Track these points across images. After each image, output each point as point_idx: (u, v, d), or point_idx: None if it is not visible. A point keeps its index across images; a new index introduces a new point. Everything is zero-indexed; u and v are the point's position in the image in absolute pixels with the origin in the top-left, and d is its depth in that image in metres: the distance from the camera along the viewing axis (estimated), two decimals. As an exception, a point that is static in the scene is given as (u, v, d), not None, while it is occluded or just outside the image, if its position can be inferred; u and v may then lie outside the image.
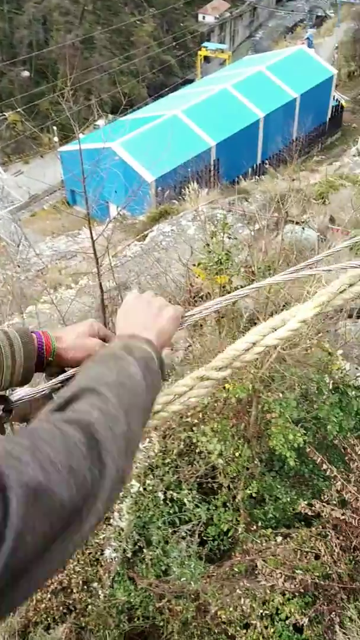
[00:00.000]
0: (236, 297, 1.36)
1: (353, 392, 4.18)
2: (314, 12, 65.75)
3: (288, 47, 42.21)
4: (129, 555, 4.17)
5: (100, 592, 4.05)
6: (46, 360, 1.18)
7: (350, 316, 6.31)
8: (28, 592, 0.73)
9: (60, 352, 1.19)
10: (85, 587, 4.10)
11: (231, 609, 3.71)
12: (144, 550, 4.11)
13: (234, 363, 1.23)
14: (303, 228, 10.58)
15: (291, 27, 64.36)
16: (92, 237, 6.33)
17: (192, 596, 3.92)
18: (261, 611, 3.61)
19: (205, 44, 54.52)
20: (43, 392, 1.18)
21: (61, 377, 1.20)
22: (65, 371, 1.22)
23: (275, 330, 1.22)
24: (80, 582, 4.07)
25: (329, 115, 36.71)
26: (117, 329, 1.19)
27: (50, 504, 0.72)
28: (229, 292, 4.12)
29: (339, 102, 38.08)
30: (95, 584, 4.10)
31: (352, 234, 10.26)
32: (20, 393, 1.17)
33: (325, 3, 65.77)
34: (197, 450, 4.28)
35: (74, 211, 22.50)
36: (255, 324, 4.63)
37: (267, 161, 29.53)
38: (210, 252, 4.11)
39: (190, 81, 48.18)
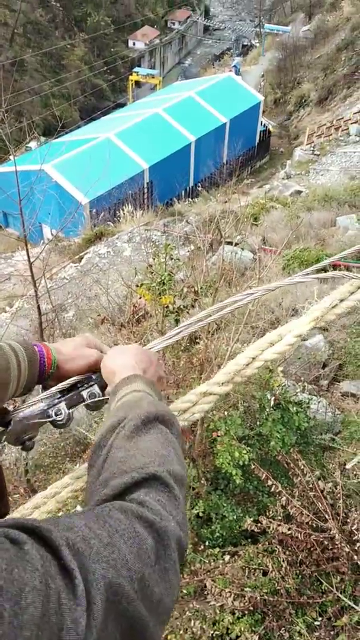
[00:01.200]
0: (225, 311, 1.37)
1: (294, 408, 4.26)
2: (240, 41, 68.10)
3: (216, 74, 43.42)
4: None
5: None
6: (47, 373, 1.16)
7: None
8: None
9: (61, 363, 1.18)
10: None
11: (181, 632, 3.66)
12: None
13: (235, 378, 1.25)
14: (242, 248, 10.81)
15: (219, 55, 66.38)
16: (29, 259, 6.22)
17: (141, 622, 3.85)
18: (212, 632, 3.58)
19: (136, 69, 55.35)
20: (42, 409, 1.16)
21: (54, 389, 1.18)
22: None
23: (273, 345, 1.24)
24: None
25: (257, 140, 37.93)
26: (111, 360, 1.15)
27: (124, 611, 0.68)
28: (172, 312, 4.14)
29: (267, 127, 39.45)
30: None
31: (283, 254, 10.56)
32: (25, 413, 1.15)
33: (251, 33, 68.29)
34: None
35: (6, 233, 22.06)
36: (197, 342, 4.67)
37: (199, 184, 30.10)
38: (152, 272, 4.13)
39: (122, 105, 48.69)
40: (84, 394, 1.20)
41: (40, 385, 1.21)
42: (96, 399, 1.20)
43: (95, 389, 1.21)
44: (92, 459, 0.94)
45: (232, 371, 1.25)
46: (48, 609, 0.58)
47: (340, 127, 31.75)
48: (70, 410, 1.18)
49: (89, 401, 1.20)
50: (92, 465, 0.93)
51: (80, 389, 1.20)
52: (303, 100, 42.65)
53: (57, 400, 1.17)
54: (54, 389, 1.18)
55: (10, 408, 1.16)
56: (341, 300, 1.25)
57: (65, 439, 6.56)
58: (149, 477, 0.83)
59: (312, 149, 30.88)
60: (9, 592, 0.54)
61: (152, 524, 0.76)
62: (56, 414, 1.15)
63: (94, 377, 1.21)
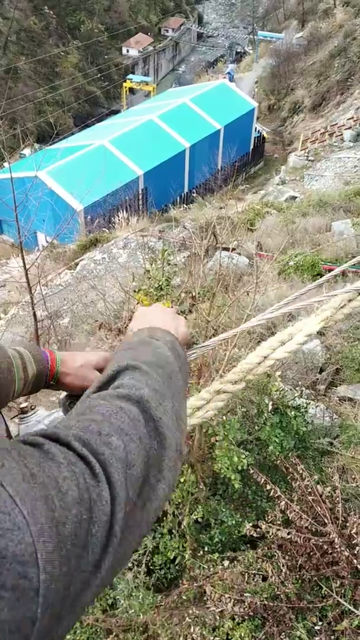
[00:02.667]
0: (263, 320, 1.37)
1: (292, 413, 4.27)
2: (233, 48, 68.50)
3: (210, 81, 43.62)
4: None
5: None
6: (48, 382, 1.18)
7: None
8: (126, 557, 0.78)
9: (62, 376, 1.19)
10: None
11: (181, 638, 3.64)
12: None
13: (248, 376, 1.26)
14: (239, 253, 10.83)
15: (212, 62, 66.69)
16: (24, 266, 6.22)
17: (141, 628, 3.83)
18: (212, 638, 3.56)
19: (130, 76, 55.57)
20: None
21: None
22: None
23: (284, 344, 1.25)
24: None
25: (251, 146, 38.08)
26: (132, 328, 1.20)
27: (135, 475, 0.77)
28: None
29: (261, 133, 39.63)
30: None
31: (279, 259, 10.60)
32: (39, 417, 1.16)
33: (244, 40, 68.69)
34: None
35: (1, 240, 22.06)
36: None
37: (194, 190, 30.17)
38: (150, 278, 4.14)
39: (116, 112, 48.82)
40: None
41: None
42: None
43: None
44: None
45: (244, 370, 1.26)
46: (80, 489, 0.68)
47: (334, 133, 31.93)
48: None
49: None
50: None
51: None
52: (297, 107, 42.88)
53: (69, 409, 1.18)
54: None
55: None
56: (350, 300, 1.26)
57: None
58: (121, 369, 0.94)
59: (306, 154, 31.04)
60: (49, 484, 0.65)
61: (129, 396, 0.86)
62: None
63: None
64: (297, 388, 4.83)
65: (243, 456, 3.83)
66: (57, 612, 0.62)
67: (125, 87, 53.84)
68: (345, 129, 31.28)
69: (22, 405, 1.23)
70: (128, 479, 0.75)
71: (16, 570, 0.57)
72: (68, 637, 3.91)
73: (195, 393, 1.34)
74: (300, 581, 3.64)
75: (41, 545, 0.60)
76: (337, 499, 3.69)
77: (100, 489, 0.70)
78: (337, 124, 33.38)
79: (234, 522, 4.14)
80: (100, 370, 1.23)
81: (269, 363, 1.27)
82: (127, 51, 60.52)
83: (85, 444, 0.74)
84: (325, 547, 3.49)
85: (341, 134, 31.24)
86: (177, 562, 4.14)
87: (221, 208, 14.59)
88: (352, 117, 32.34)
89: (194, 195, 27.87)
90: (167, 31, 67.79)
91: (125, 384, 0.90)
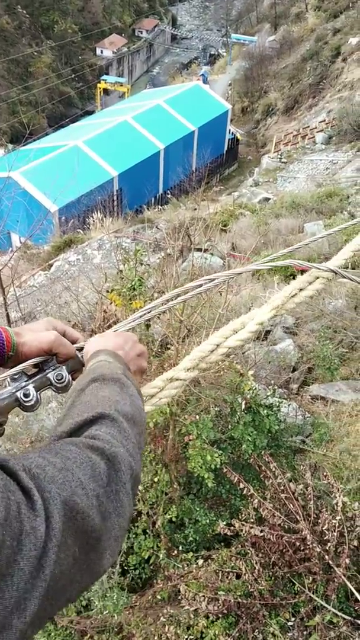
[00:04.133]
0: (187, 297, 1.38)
1: (265, 411, 4.30)
2: (207, 51, 68.78)
3: (184, 83, 43.73)
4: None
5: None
6: (7, 355, 1.16)
7: (257, 338, 6.53)
8: (57, 607, 0.73)
9: (19, 346, 1.18)
10: None
11: (156, 637, 3.65)
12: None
13: (200, 364, 1.27)
14: (212, 254, 10.88)
15: (186, 63, 66.90)
16: (-3, 267, 6.16)
17: (116, 629, 3.83)
18: (186, 637, 3.58)
19: (105, 77, 55.41)
20: (9, 391, 1.14)
21: (18, 368, 1.16)
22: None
23: (237, 332, 1.27)
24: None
25: (225, 148, 38.27)
26: (91, 344, 1.21)
27: (81, 526, 0.74)
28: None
29: (235, 135, 39.85)
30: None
31: (252, 260, 10.67)
32: None
33: (218, 42, 69.02)
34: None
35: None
36: (168, 348, 4.68)
37: (169, 191, 30.20)
38: (122, 278, 4.14)
39: (91, 112, 48.64)
40: (51, 376, 1.19)
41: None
42: (63, 381, 1.20)
43: (63, 370, 1.20)
44: (59, 419, 1.02)
45: (197, 357, 1.28)
46: (9, 514, 0.65)
47: (307, 135, 32.29)
48: (39, 392, 1.16)
49: (56, 383, 1.19)
50: (57, 423, 1.01)
51: (46, 371, 1.19)
52: (270, 109, 43.24)
53: (24, 383, 1.15)
54: (18, 368, 1.17)
55: None
56: (300, 290, 1.29)
57: (36, 448, 6.50)
58: (98, 416, 0.92)
59: (279, 156, 31.33)
60: None
61: (102, 450, 0.84)
62: (25, 396, 1.13)
63: (55, 360, 1.21)
64: (270, 387, 4.87)
65: (216, 455, 3.86)
66: None
67: (100, 88, 53.68)
68: (318, 132, 31.66)
69: None
70: (69, 525, 0.72)
71: None
72: (42, 639, 3.88)
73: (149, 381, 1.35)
74: (273, 578, 3.67)
75: None
76: (309, 496, 3.73)
77: (36, 523, 0.68)
78: (309, 126, 33.77)
79: (208, 521, 4.15)
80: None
81: (221, 351, 1.29)
82: (101, 52, 60.33)
83: (33, 477, 0.72)
84: (298, 544, 3.53)
85: (313, 137, 31.61)
86: (151, 561, 4.15)
87: (195, 209, 14.64)
88: (324, 120, 32.74)
89: (169, 196, 27.91)
90: (141, 32, 67.78)
91: (102, 437, 0.87)
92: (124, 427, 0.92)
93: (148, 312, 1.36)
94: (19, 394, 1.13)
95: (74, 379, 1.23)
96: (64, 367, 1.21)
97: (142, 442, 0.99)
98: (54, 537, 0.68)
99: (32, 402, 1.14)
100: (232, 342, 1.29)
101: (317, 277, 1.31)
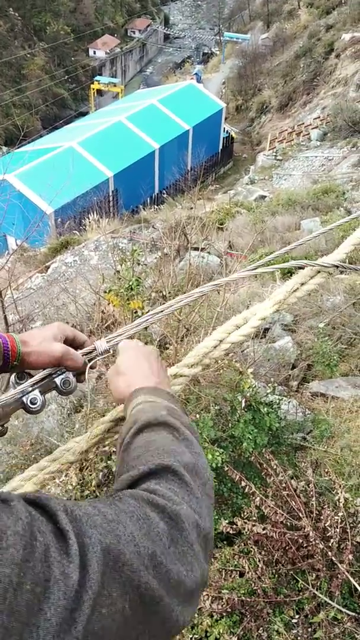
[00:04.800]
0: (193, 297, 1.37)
1: (265, 409, 4.30)
2: (200, 50, 68.73)
3: (178, 82, 43.70)
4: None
5: None
6: (11, 364, 1.14)
7: (256, 336, 6.53)
8: None
9: (25, 356, 1.14)
10: None
11: (160, 638, 3.64)
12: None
13: (204, 360, 1.27)
14: (209, 252, 10.88)
15: (180, 63, 66.84)
16: (-6, 270, 6.15)
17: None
18: (190, 636, 3.57)
19: (98, 77, 55.35)
20: (15, 397, 1.14)
21: (29, 382, 1.16)
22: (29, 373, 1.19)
23: (239, 327, 1.27)
24: None
25: (220, 146, 38.25)
26: (123, 367, 1.15)
27: (130, 580, 0.66)
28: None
29: (229, 134, 39.83)
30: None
31: (250, 258, 10.67)
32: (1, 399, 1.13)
33: (211, 41, 68.98)
34: (116, 480, 4.21)
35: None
36: (166, 348, 4.67)
37: (164, 191, 30.18)
38: (120, 278, 4.13)
39: (85, 114, 48.57)
40: (57, 380, 1.18)
41: (11, 378, 1.19)
42: (69, 386, 1.19)
43: (69, 376, 1.19)
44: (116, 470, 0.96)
45: (200, 354, 1.28)
46: (32, 556, 0.59)
47: (302, 132, 32.30)
48: (43, 395, 1.16)
49: (62, 388, 1.19)
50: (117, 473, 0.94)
51: (53, 376, 1.19)
52: (264, 107, 43.24)
53: (30, 388, 1.15)
54: (29, 382, 1.16)
55: None
56: (302, 284, 1.29)
57: (36, 450, 6.48)
58: (158, 469, 0.84)
59: (274, 154, 31.32)
60: None
61: (163, 508, 0.76)
62: (32, 402, 1.14)
63: (64, 370, 1.20)
64: (269, 385, 4.87)
65: (217, 453, 3.85)
66: None
67: (93, 89, 53.62)
68: (312, 129, 31.66)
69: None
70: (113, 577, 0.64)
71: None
72: None
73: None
74: (276, 576, 3.67)
75: None
76: (311, 492, 3.73)
77: (68, 569, 0.61)
78: (304, 123, 33.77)
79: (210, 519, 4.14)
80: (61, 341, 1.19)
81: (224, 347, 1.28)
82: (94, 53, 60.25)
83: (74, 519, 0.66)
84: (301, 540, 3.52)
85: (308, 134, 31.61)
86: (154, 562, 4.14)
87: (191, 208, 14.63)
88: (319, 117, 32.75)
89: (164, 196, 27.90)
90: (134, 32, 67.71)
91: (162, 492, 0.79)
92: (186, 481, 0.83)
93: (160, 312, 1.35)
94: (25, 400, 1.14)
95: (79, 382, 1.22)
96: (70, 373, 1.20)
97: (208, 492, 0.88)
98: (89, 589, 0.61)
99: (39, 407, 1.15)
100: (235, 338, 1.29)
101: (319, 272, 1.31)
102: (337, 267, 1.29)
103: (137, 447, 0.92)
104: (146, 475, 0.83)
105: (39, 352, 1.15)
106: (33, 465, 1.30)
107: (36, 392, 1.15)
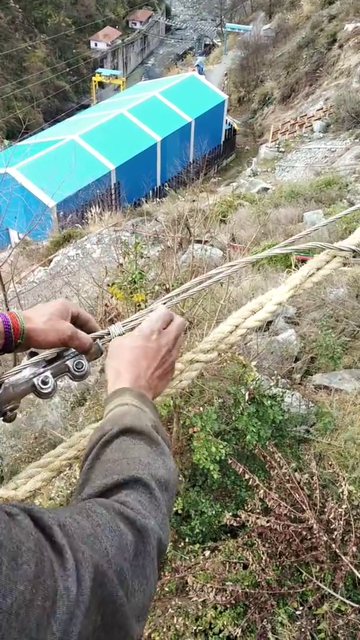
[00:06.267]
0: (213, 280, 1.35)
1: (268, 402, 4.30)
2: (202, 41, 68.37)
3: (180, 74, 43.50)
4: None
5: None
6: (15, 342, 1.08)
7: (259, 329, 6.53)
8: None
9: (30, 333, 1.08)
10: None
11: (164, 629, 3.66)
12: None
13: (220, 345, 1.26)
14: (212, 245, 10.86)
15: (181, 54, 66.52)
16: (-4, 263, 6.15)
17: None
18: (194, 627, 3.59)
19: (99, 70, 55.13)
20: (26, 378, 1.09)
21: (40, 356, 1.11)
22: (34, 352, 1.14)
23: (255, 313, 1.26)
24: None
25: (223, 139, 38.11)
26: (122, 358, 1.09)
27: (108, 595, 0.68)
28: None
29: (232, 125, 39.68)
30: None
31: (252, 250, 10.65)
32: (11, 380, 1.08)
33: (213, 32, 68.58)
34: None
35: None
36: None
37: (166, 183, 30.11)
38: (123, 272, 4.12)
39: (86, 106, 48.40)
40: (70, 363, 1.14)
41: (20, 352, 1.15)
42: (83, 370, 1.15)
43: (83, 359, 1.14)
44: (81, 470, 0.95)
45: (216, 339, 1.27)
46: (42, 571, 0.60)
47: (304, 124, 32.14)
48: (56, 379, 1.12)
49: (75, 371, 1.14)
50: (82, 476, 0.94)
51: (65, 358, 1.14)
52: (266, 98, 43.01)
53: (42, 369, 1.10)
54: (40, 356, 1.11)
55: None
56: (318, 269, 1.28)
57: (40, 443, 6.50)
58: (130, 480, 0.85)
59: (277, 146, 31.20)
60: (7, 547, 0.58)
61: (132, 521, 0.78)
62: (43, 383, 1.09)
63: (76, 352, 1.15)
64: (273, 377, 4.86)
65: (221, 446, 3.86)
66: None
67: (95, 81, 53.43)
68: (315, 120, 31.50)
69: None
70: (98, 591, 0.67)
71: None
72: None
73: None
74: (280, 568, 3.68)
75: None
76: (315, 485, 3.73)
77: (68, 583, 0.62)
78: (306, 115, 33.59)
79: (214, 512, 4.16)
80: (68, 319, 1.14)
81: (240, 332, 1.28)
82: (96, 45, 59.98)
83: (67, 534, 0.67)
84: (304, 533, 3.54)
85: (311, 125, 31.45)
86: (158, 554, 4.15)
87: (194, 201, 14.60)
88: (322, 108, 32.56)
89: (167, 188, 27.82)
90: (135, 24, 67.36)
91: (132, 505, 0.81)
92: (155, 495, 0.85)
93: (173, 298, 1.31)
94: (37, 381, 1.09)
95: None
96: (84, 355, 1.16)
97: (171, 507, 0.91)
98: (82, 603, 0.63)
99: (50, 390, 1.10)
100: (251, 323, 1.28)
101: (335, 256, 1.29)
102: (354, 250, 1.27)
103: (116, 450, 0.92)
104: (119, 486, 0.84)
105: (46, 331, 1.09)
106: (50, 451, 1.29)
107: (48, 372, 1.10)
